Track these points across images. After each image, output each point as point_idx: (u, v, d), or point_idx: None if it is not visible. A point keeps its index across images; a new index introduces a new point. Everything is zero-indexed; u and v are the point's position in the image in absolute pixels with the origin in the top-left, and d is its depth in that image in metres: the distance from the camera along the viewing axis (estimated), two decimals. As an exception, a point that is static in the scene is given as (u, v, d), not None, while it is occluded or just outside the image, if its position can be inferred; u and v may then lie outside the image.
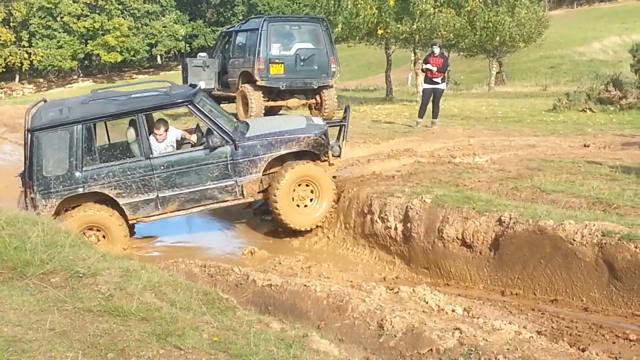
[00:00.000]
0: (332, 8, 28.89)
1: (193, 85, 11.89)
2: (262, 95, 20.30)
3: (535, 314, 7.79)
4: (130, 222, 10.95)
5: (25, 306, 5.62)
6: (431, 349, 6.04)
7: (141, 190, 10.78)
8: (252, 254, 10.73)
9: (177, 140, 11.54)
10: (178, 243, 11.86)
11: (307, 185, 11.16)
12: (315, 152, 11.33)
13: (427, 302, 7.58)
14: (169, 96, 11.12)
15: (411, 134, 17.81)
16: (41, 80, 69.59)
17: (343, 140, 11.78)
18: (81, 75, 72.95)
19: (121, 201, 10.77)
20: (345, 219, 11.19)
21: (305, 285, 7.53)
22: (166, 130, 11.41)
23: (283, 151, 11.12)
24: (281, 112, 22.56)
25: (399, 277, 9.77)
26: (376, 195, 10.81)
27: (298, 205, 11.19)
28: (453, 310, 7.38)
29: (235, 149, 10.88)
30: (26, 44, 67.20)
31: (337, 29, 27.34)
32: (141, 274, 6.43)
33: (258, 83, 20.14)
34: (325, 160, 11.44)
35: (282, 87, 20.49)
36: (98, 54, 70.89)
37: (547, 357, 5.75)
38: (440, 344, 6.03)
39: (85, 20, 68.76)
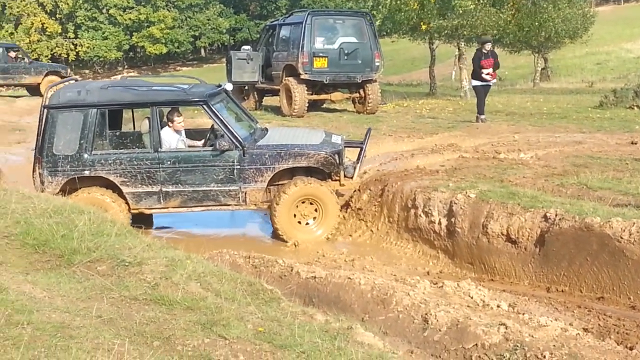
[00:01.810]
0: (373, 3, 28.86)
1: (218, 86, 11.87)
2: (306, 88, 20.39)
3: (581, 311, 7.70)
4: (132, 211, 11.00)
5: (73, 293, 5.67)
6: (476, 344, 6.00)
7: (146, 181, 10.83)
8: (295, 246, 10.74)
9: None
10: (221, 234, 11.89)
11: (311, 204, 11.01)
12: (325, 171, 11.19)
13: (471, 297, 7.53)
14: (186, 94, 11.16)
15: (455, 129, 17.74)
16: (87, 71, 70.09)
17: (359, 162, 11.54)
18: (126, 66, 73.41)
19: (125, 189, 10.85)
20: (388, 212, 11.14)
21: (349, 278, 7.51)
22: (181, 126, 11.46)
23: (291, 164, 11.01)
24: (324, 105, 22.60)
25: (443, 272, 9.71)
26: (420, 190, 10.75)
27: (300, 222, 11.06)
28: (498, 306, 7.32)
29: (243, 155, 10.81)
30: (72, 35, 67.75)
31: (379, 23, 27.30)
32: (186, 264, 6.46)
33: (302, 76, 20.25)
34: (336, 180, 11.25)
35: (326, 80, 20.57)
36: (143, 46, 71.32)
37: (594, 355, 5.68)
38: (486, 339, 5.98)
39: (130, 12, 69.17)
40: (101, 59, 68.30)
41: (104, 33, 68.84)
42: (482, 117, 18.78)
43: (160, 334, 5.00)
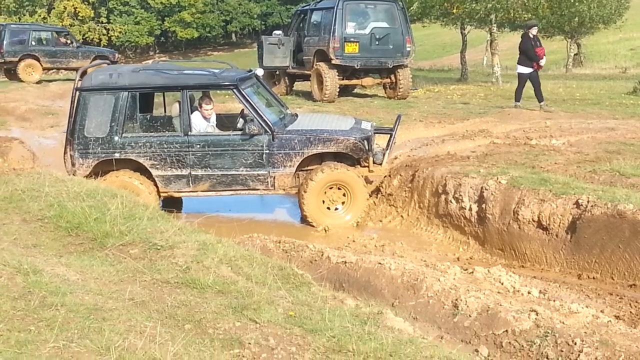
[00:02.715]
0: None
1: (249, 71, 11.90)
2: (337, 73, 20.36)
3: (613, 299, 7.66)
4: (161, 195, 11.07)
5: (105, 276, 5.75)
6: (506, 330, 6.00)
7: (175, 165, 10.87)
8: (326, 231, 10.75)
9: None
10: (251, 219, 11.91)
11: (339, 189, 10.96)
12: (353, 156, 11.15)
13: (502, 283, 7.52)
14: (216, 77, 11.20)
15: (486, 114, 17.66)
16: (119, 55, 70.67)
17: (388, 149, 11.44)
18: (157, 51, 73.71)
19: (154, 172, 10.90)
20: (419, 198, 11.12)
21: (379, 263, 7.51)
22: (212, 111, 11.49)
23: (320, 149, 10.98)
24: (355, 90, 22.57)
25: (473, 258, 9.69)
26: (451, 176, 10.72)
27: (329, 208, 11.04)
28: (529, 292, 7.30)
29: (272, 140, 10.79)
30: (104, 20, 68.09)
31: (412, 8, 27.13)
32: (217, 248, 6.51)
33: (333, 61, 20.24)
34: (365, 166, 11.20)
35: (357, 66, 20.55)
36: (174, 31, 71.55)
37: (625, 342, 5.65)
38: (516, 325, 5.98)
39: (162, -3, 69.48)
40: (133, 44, 68.60)
41: (135, 18, 69.17)
42: (518, 103, 18.54)
43: (191, 317, 5.06)
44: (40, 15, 61.90)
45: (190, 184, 10.93)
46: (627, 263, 8.17)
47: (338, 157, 11.13)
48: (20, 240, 6.43)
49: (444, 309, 6.59)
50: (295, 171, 11.02)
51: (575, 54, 40.00)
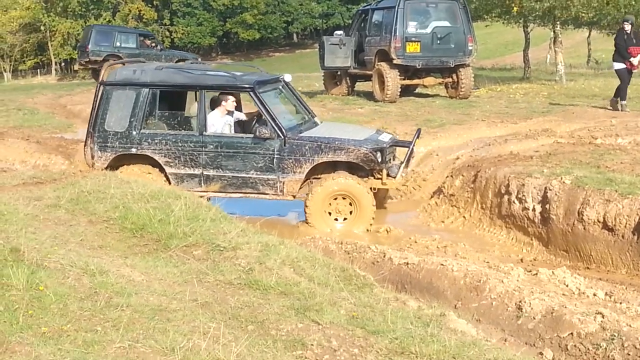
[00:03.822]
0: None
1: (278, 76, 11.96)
2: (399, 73, 20.29)
3: (681, 301, 7.52)
4: None
5: (169, 277, 5.81)
6: (572, 333, 5.92)
7: (188, 163, 10.94)
8: (387, 232, 10.71)
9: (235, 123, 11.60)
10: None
11: (344, 199, 10.74)
12: (365, 167, 10.91)
13: (567, 285, 7.43)
14: (235, 79, 11.29)
15: (550, 113, 17.46)
16: (201, 60, 71.41)
17: (404, 162, 11.19)
18: (219, 52, 74.33)
19: (168, 170, 10.99)
20: (481, 199, 11.05)
21: (441, 265, 7.48)
22: (233, 107, 11.52)
23: (330, 157, 10.81)
24: (417, 90, 22.48)
25: (537, 259, 9.60)
26: (514, 176, 10.63)
27: (336, 219, 10.83)
28: (594, 294, 7.21)
29: (284, 145, 10.72)
30: (167, 22, 68.90)
31: (473, 6, 26.91)
32: (280, 249, 6.54)
33: (394, 61, 20.17)
34: (379, 178, 10.95)
35: (419, 65, 20.45)
36: (236, 32, 72.07)
37: (694, 346, 5.55)
38: (582, 328, 5.90)
39: (224, -1, 70.09)
40: (195, 45, 69.21)
41: (198, 19, 69.85)
42: (623, 102, 17.76)
43: (254, 318, 5.09)
44: (105, 19, 62.79)
45: (202, 184, 10.97)
46: (696, 265, 8.02)
47: (352, 167, 10.95)
48: (86, 242, 6.53)
49: (507, 311, 6.53)
50: (306, 178, 10.93)
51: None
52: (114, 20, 62.13)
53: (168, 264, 6.14)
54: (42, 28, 62.65)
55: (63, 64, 65.94)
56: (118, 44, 30.82)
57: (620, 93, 17.82)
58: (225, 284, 5.76)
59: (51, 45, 62.19)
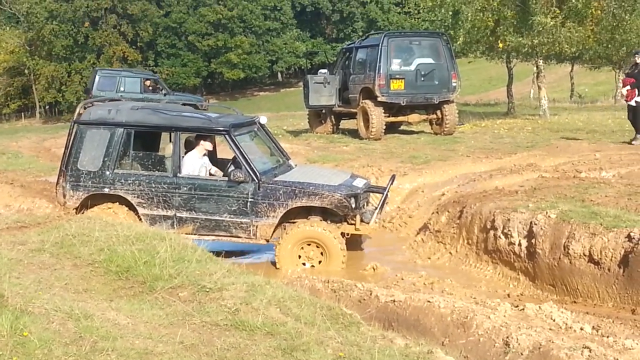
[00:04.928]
0: (451, 21, 28.72)
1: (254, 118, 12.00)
2: (383, 111, 20.39)
3: (668, 334, 7.52)
4: None
5: (155, 319, 5.78)
6: (559, 368, 5.92)
7: (161, 205, 10.88)
8: (374, 270, 10.68)
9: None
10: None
11: (317, 247, 10.66)
12: (339, 213, 10.85)
13: (554, 320, 7.42)
14: (210, 121, 11.26)
15: (534, 148, 17.55)
16: (206, 103, 71.62)
17: (378, 208, 11.15)
18: (204, 92, 74.67)
19: (141, 211, 10.92)
20: (467, 234, 11.05)
21: (428, 301, 7.46)
22: (211, 147, 11.53)
23: (304, 203, 10.74)
24: (401, 127, 22.56)
25: (524, 294, 9.58)
26: (499, 211, 10.64)
27: (304, 264, 10.69)
28: (581, 329, 7.19)
29: (258, 189, 10.67)
30: (152, 63, 69.27)
31: (457, 43, 27.12)
32: (266, 289, 6.53)
33: (379, 99, 20.29)
34: (352, 224, 10.91)
35: (403, 102, 20.56)
36: (221, 72, 72.48)
37: (681, 379, 5.55)
38: (569, 362, 5.89)
39: (209, 39, 70.50)
40: (180, 85, 69.59)
41: (183, 60, 70.39)
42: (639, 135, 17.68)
43: (241, 359, 5.06)
44: (89, 61, 63.20)
45: (175, 226, 10.80)
46: (682, 297, 8.03)
47: (326, 212, 10.91)
48: (71, 285, 6.50)
49: (495, 347, 6.51)
50: (280, 222, 10.85)
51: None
52: (99, 62, 62.40)
53: (154, 307, 6.11)
54: (26, 71, 62.93)
55: (47, 107, 66.10)
56: (122, 88, 30.89)
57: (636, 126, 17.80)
58: (211, 325, 5.73)
59: (35, 88, 62.37)
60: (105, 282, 6.76)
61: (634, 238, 8.67)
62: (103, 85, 30.88)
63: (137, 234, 7.96)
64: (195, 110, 13.58)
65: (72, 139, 11.20)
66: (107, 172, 10.97)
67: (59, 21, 62.70)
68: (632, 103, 17.43)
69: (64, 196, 11.12)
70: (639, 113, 17.52)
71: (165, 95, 31.83)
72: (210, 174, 11.36)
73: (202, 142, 11.31)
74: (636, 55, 17.80)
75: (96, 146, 11.06)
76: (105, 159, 10.96)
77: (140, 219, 10.89)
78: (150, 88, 32.09)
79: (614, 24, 26.39)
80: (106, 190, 11.01)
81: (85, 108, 11.62)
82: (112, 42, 64.99)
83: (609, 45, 29.95)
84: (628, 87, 17.43)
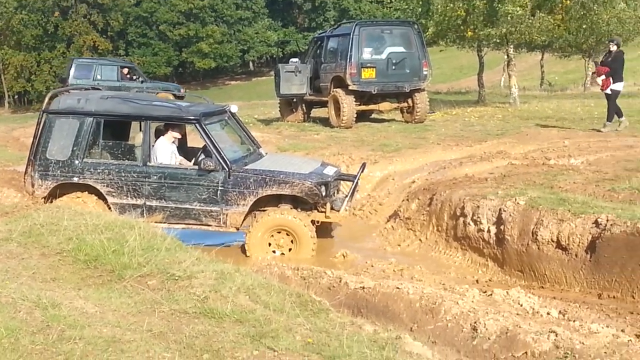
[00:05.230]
0: (422, 10, 28.73)
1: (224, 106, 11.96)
2: (354, 99, 20.38)
3: (634, 318, 7.58)
4: None
5: (124, 308, 5.76)
6: (526, 352, 5.97)
7: (131, 194, 10.85)
8: (344, 257, 10.70)
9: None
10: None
11: (287, 234, 10.69)
12: (309, 200, 10.89)
13: (521, 305, 7.48)
14: (180, 110, 11.20)
15: (504, 136, 17.64)
16: (184, 90, 71.20)
17: (349, 196, 11.18)
18: (175, 81, 74.29)
19: (110, 200, 10.89)
20: (437, 221, 11.10)
21: (397, 288, 7.50)
22: (179, 136, 11.56)
23: (274, 191, 10.76)
24: (372, 115, 22.58)
25: (492, 280, 9.65)
26: (469, 198, 10.70)
27: (274, 252, 10.72)
28: (548, 313, 7.26)
29: (228, 177, 10.67)
30: (123, 53, 68.79)
31: (428, 33, 27.14)
32: (235, 277, 6.52)
33: (350, 87, 20.26)
34: (322, 212, 10.93)
35: (374, 91, 20.55)
36: (192, 61, 72.16)
37: (646, 361, 5.62)
38: (536, 347, 5.95)
39: (180, 28, 70.16)
40: (151, 74, 69.21)
41: (154, 49, 70.00)
42: (622, 119, 17.97)
43: (209, 346, 5.06)
44: (59, 51, 62.63)
45: (145, 215, 10.75)
46: (648, 281, 8.11)
47: (297, 200, 10.94)
48: (38, 275, 6.47)
49: (462, 332, 6.56)
50: (250, 210, 10.86)
51: (593, 73, 39.83)
52: (69, 52, 61.85)
53: (122, 295, 6.09)
54: (-6, 61, 62.28)
55: (16, 96, 65.51)
56: (98, 76, 30.68)
57: (618, 111, 18.07)
58: (180, 313, 5.72)
59: (4, 78, 61.76)
60: (74, 271, 6.72)
61: (601, 224, 8.75)
62: (79, 74, 30.67)
63: (105, 223, 7.92)
64: (166, 100, 13.49)
65: (41, 128, 11.13)
66: (76, 162, 10.91)
67: (28, 11, 62.04)
68: (608, 91, 17.57)
69: (33, 185, 11.07)
70: (612, 101, 17.65)
71: (142, 82, 31.67)
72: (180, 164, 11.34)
73: (170, 130, 11.28)
74: (610, 44, 18.01)
75: (65, 135, 10.99)
76: (75, 148, 10.90)
77: (110, 208, 10.84)
78: (128, 76, 31.88)
79: (582, 13, 26.49)
80: (75, 179, 10.95)
81: (52, 97, 11.53)
82: (82, 32, 64.39)
83: (578, 34, 30.11)
84: (603, 77, 17.56)
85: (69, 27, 64.08)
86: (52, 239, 7.42)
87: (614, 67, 17.45)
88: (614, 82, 17.51)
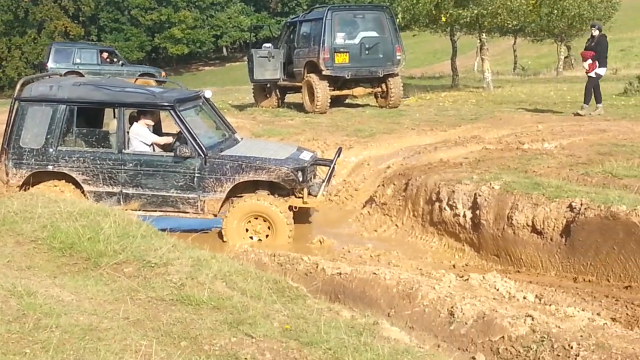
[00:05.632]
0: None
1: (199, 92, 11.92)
2: (328, 84, 20.33)
3: (609, 301, 7.66)
4: None
5: (100, 295, 5.73)
6: (503, 336, 6.01)
7: (107, 181, 10.80)
8: (321, 242, 10.71)
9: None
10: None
11: (264, 220, 10.68)
12: (286, 186, 10.89)
13: (497, 289, 7.53)
14: (154, 97, 11.13)
15: (478, 120, 17.66)
16: (164, 74, 70.78)
17: (326, 181, 11.20)
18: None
19: (86, 188, 10.83)
20: (413, 207, 11.12)
21: (374, 273, 7.52)
22: (152, 123, 11.47)
23: (251, 177, 10.75)
24: (347, 100, 22.56)
25: (469, 265, 9.70)
26: (444, 183, 10.73)
27: (252, 237, 10.72)
28: (524, 298, 7.31)
29: (204, 164, 10.64)
30: (95, 38, 68.24)
31: (397, 19, 27.12)
32: (212, 264, 6.50)
33: (323, 72, 20.20)
34: (300, 197, 10.91)
35: (348, 76, 20.50)
36: (165, 47, 71.75)
37: (622, 344, 5.66)
38: (512, 331, 5.99)
39: (152, 13, 69.69)
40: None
41: (126, 34, 69.51)
42: (599, 105, 17.96)
43: (187, 334, 5.05)
44: (30, 36, 61.98)
45: (121, 202, 10.73)
46: (622, 265, 8.19)
47: (274, 185, 10.93)
48: (13, 263, 6.41)
49: (440, 317, 6.59)
50: (228, 197, 10.84)
51: (566, 57, 40.09)
52: (40, 37, 61.27)
53: (98, 283, 6.06)
54: (-36, 47, 61.58)
55: (-13, 83, 64.74)
56: (78, 60, 30.52)
57: (597, 96, 18.08)
58: (157, 301, 5.70)
59: (-26, 64, 61.10)
60: (49, 258, 6.67)
61: (575, 208, 8.81)
62: (58, 58, 30.54)
63: (80, 210, 7.86)
64: (140, 86, 13.38)
65: (13, 116, 11.00)
66: (51, 150, 10.83)
67: (-3, -4, 61.50)
68: (592, 75, 17.66)
69: (7, 174, 10.95)
70: (593, 84, 17.75)
71: (122, 66, 31.56)
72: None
73: (142, 118, 11.23)
74: (592, 29, 18.17)
75: (38, 123, 10.90)
76: (48, 136, 10.82)
77: (86, 196, 10.77)
78: (107, 60, 31.73)
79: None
80: (50, 167, 10.87)
81: (24, 85, 11.41)
82: (54, 17, 63.69)
83: (550, 19, 30.23)
84: (589, 61, 17.67)
85: (39, 12, 63.35)
86: (26, 226, 7.35)
87: (598, 51, 17.61)
88: (599, 67, 17.60)
